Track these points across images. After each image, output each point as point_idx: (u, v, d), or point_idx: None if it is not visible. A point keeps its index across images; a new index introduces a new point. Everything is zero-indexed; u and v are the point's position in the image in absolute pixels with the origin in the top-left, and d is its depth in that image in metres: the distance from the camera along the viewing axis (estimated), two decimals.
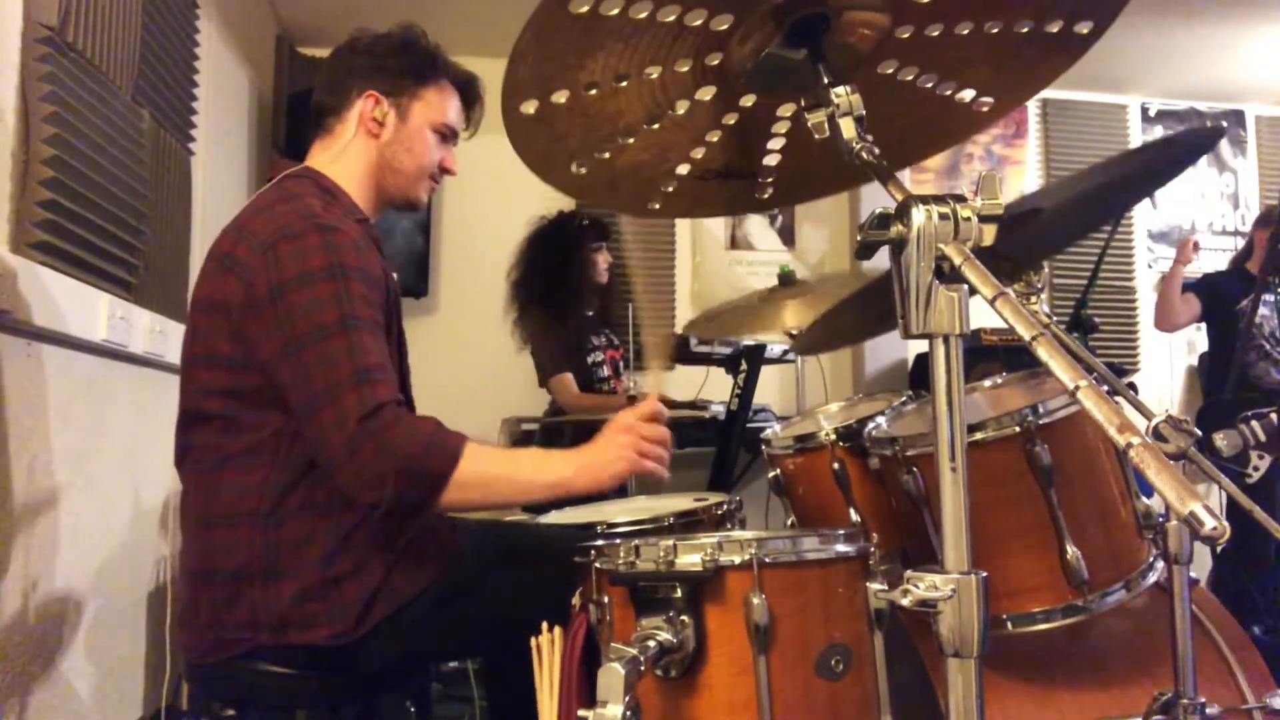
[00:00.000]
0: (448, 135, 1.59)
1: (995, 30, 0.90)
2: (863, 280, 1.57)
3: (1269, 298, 3.58)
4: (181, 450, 1.40)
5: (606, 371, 3.36)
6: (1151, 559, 1.31)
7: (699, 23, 0.84)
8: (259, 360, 1.32)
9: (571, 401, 3.22)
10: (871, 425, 1.46)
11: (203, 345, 1.37)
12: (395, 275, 1.53)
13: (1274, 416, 3.42)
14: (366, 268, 1.36)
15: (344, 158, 1.53)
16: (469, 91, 1.62)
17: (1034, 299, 1.36)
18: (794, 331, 2.80)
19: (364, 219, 1.51)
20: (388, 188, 1.57)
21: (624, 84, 0.89)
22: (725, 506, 1.53)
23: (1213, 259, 4.70)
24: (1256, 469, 3.44)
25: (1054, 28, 0.91)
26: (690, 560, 1.01)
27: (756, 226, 4.45)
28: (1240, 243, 4.68)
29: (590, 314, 3.35)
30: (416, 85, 1.55)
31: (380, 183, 1.56)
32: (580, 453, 1.38)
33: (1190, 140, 1.36)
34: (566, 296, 3.22)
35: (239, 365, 1.34)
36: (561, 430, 3.01)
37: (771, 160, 1.06)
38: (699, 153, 1.02)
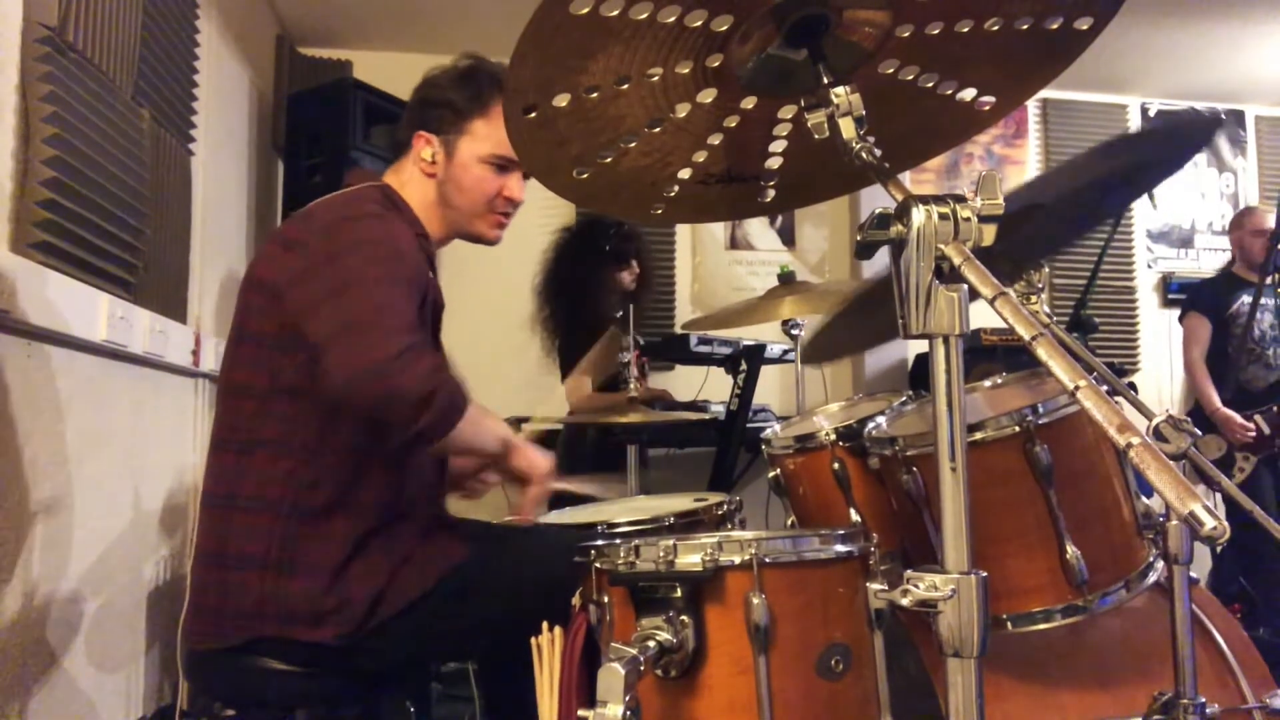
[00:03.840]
0: (505, 164, 1.56)
1: (996, 28, 0.90)
2: (861, 286, 1.58)
3: (1268, 301, 3.58)
4: (215, 430, 1.44)
5: (634, 372, 3.45)
6: (1151, 559, 1.31)
7: (699, 23, 0.84)
8: (297, 325, 1.34)
9: (580, 403, 3.29)
10: (871, 425, 1.46)
11: (250, 322, 1.41)
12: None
13: (1258, 418, 3.45)
14: (414, 265, 1.41)
15: (407, 189, 1.57)
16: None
17: (1034, 299, 1.36)
18: (794, 330, 2.81)
19: (424, 234, 1.55)
20: (449, 223, 1.59)
21: (625, 86, 0.89)
22: (725, 506, 1.53)
23: (1212, 259, 4.70)
24: (1242, 470, 3.46)
25: (1054, 24, 0.91)
26: (690, 560, 1.01)
27: (756, 226, 4.45)
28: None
29: (619, 316, 3.42)
30: (463, 120, 1.54)
31: (442, 218, 1.58)
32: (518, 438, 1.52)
33: (1188, 129, 1.35)
34: (587, 305, 3.29)
35: (282, 345, 1.36)
36: (585, 430, 3.07)
37: (773, 164, 1.06)
38: (700, 156, 1.02)
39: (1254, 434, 3.45)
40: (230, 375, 1.43)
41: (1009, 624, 1.26)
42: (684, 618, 0.99)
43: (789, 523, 1.66)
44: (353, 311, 1.29)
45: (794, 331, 2.88)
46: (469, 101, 1.54)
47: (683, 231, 4.37)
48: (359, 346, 1.26)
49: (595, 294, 3.33)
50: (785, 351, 3.22)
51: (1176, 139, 1.30)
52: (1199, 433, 1.04)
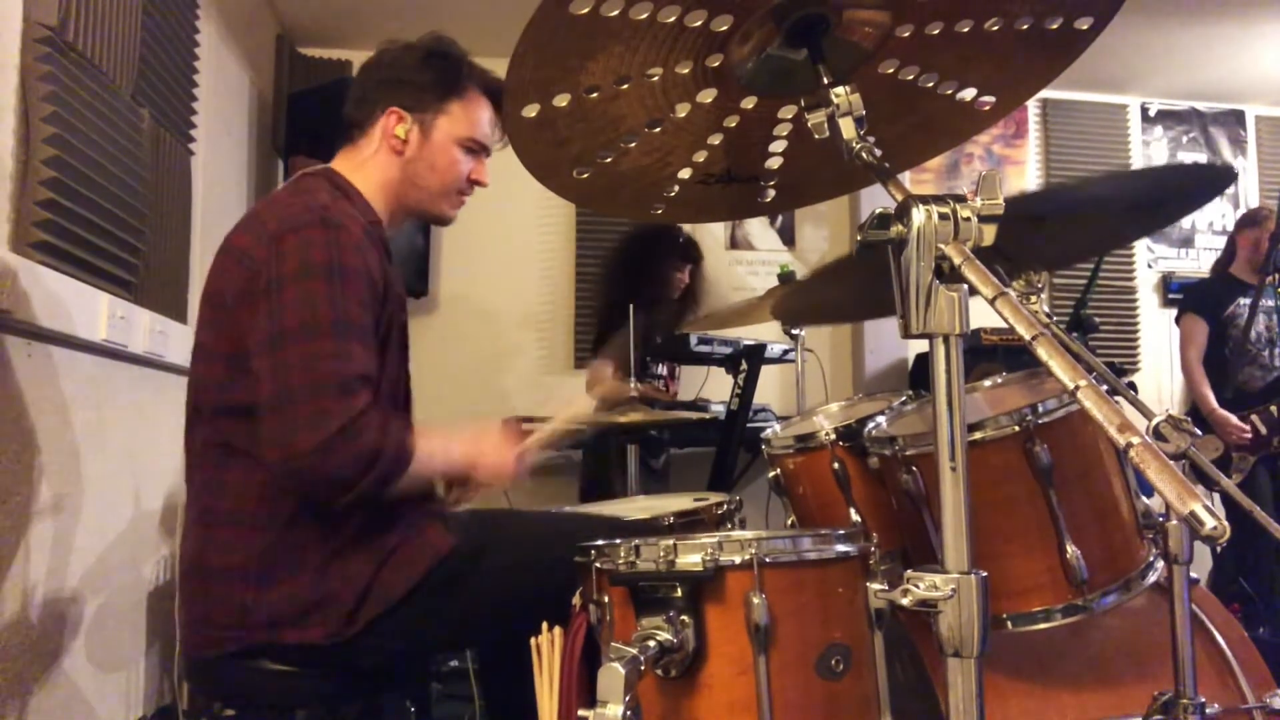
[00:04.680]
0: (476, 149, 1.56)
1: (995, 28, 0.90)
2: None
3: (1267, 302, 3.56)
4: (188, 444, 1.42)
5: (663, 371, 3.53)
6: (1151, 559, 1.31)
7: (699, 24, 0.84)
8: (247, 348, 1.32)
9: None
10: (871, 425, 1.46)
11: (207, 338, 1.39)
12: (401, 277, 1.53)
13: (1254, 418, 3.45)
14: (367, 268, 1.37)
15: (365, 168, 1.53)
16: (502, 100, 1.60)
17: (1034, 299, 1.36)
18: (794, 330, 2.81)
19: (376, 220, 1.50)
20: (410, 202, 1.56)
21: (625, 86, 0.89)
22: (725, 506, 1.53)
23: (1213, 259, 4.70)
24: (1240, 470, 3.46)
25: (1054, 24, 0.91)
26: (690, 560, 1.01)
27: (756, 226, 4.45)
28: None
29: (660, 318, 3.49)
30: (441, 100, 1.52)
31: (402, 197, 1.55)
32: (477, 449, 1.47)
33: (1202, 176, 1.34)
34: (633, 297, 3.37)
35: (236, 358, 1.34)
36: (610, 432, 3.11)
37: (773, 164, 1.06)
38: (700, 156, 1.02)
39: (1250, 434, 3.45)
40: (196, 392, 1.41)
41: (1009, 624, 1.26)
42: (684, 618, 0.99)
43: (789, 523, 1.66)
44: (287, 378, 1.26)
45: (794, 331, 2.88)
46: (447, 83, 1.52)
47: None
48: (288, 429, 1.25)
49: (655, 278, 3.45)
50: (785, 351, 3.22)
51: (1188, 183, 1.30)
52: (1199, 432, 1.04)
